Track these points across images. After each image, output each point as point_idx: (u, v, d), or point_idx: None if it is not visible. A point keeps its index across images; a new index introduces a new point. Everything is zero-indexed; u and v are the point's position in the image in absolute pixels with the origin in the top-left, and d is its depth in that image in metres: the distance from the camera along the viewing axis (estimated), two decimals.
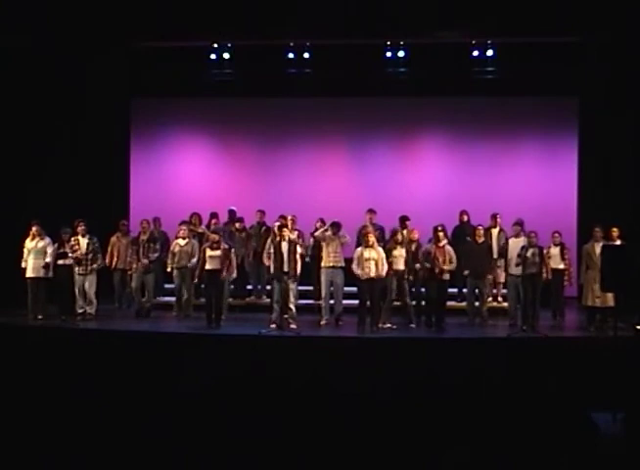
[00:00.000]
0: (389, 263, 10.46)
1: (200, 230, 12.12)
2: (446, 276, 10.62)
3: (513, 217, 11.37)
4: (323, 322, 10.90)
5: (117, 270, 12.20)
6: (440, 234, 10.63)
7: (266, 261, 10.98)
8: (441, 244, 10.59)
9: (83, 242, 11.04)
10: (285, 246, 10.28)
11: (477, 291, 11.24)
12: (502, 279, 11.75)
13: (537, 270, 10.34)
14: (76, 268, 10.97)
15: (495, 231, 11.83)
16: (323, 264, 10.85)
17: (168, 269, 11.51)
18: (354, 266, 10.36)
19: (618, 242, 10.22)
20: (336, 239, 10.81)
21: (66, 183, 13.00)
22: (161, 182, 14.26)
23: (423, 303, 11.07)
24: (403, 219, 11.55)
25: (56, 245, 11.06)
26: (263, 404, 7.57)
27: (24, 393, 7.98)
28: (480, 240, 11.17)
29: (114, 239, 12.19)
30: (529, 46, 12.66)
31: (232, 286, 11.91)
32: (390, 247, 10.65)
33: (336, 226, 10.81)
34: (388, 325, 10.62)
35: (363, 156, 14.16)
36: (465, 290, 11.54)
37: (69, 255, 10.94)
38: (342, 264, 10.78)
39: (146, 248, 11.46)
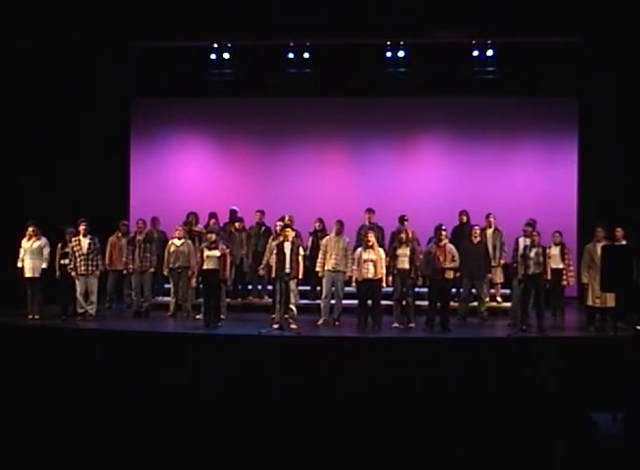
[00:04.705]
0: (395, 263, 10.47)
1: (197, 230, 12.11)
2: (449, 275, 10.49)
3: (513, 217, 11.36)
4: (320, 322, 10.89)
5: (115, 271, 12.16)
6: (443, 233, 10.57)
7: (261, 272, 11.27)
8: (442, 243, 10.53)
9: (84, 242, 11.01)
10: (287, 246, 10.27)
11: (474, 291, 11.23)
12: (498, 280, 11.74)
13: (541, 270, 10.33)
14: (78, 268, 10.94)
15: (490, 231, 11.78)
16: (325, 267, 10.87)
17: (165, 272, 11.50)
18: (353, 267, 10.40)
19: (623, 242, 10.14)
20: (340, 240, 10.83)
21: (66, 183, 13.00)
22: (161, 182, 14.26)
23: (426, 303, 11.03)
24: (402, 219, 11.58)
25: (60, 245, 11.07)
26: (263, 405, 7.57)
27: (25, 393, 7.97)
28: (477, 240, 11.16)
29: (113, 239, 12.17)
30: (529, 46, 12.63)
31: (226, 286, 11.77)
32: (395, 246, 10.65)
33: (339, 224, 10.92)
34: (396, 325, 10.62)
35: (363, 156, 14.16)
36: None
37: (69, 255, 10.94)
38: (343, 269, 10.79)
39: (142, 248, 11.45)
